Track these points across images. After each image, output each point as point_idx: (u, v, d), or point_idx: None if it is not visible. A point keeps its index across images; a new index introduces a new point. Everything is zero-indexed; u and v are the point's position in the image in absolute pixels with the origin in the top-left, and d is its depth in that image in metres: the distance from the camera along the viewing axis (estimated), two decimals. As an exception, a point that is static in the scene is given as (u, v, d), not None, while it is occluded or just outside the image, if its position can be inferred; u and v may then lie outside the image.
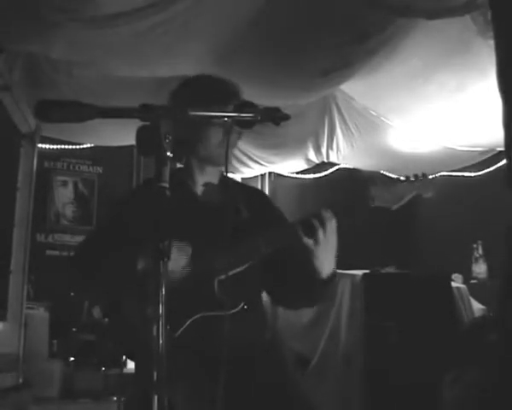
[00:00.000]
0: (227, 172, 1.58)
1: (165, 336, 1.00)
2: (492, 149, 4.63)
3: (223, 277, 1.53)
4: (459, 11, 2.49)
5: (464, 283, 4.45)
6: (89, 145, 4.95)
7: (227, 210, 1.55)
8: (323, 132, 4.44)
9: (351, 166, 5.25)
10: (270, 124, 1.38)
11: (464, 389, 2.54)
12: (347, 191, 5.43)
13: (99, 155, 5.12)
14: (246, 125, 1.45)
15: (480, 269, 4.74)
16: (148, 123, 1.08)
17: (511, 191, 1.30)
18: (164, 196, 1.05)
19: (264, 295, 1.80)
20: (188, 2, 2.52)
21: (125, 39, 2.75)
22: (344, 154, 4.74)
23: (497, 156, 4.65)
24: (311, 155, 4.86)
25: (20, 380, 3.34)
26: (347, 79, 3.58)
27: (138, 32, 2.67)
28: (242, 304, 1.56)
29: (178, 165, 1.84)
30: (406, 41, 2.99)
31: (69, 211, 5.16)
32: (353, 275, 3.83)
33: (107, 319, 1.74)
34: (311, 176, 5.63)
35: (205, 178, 1.75)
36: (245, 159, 4.87)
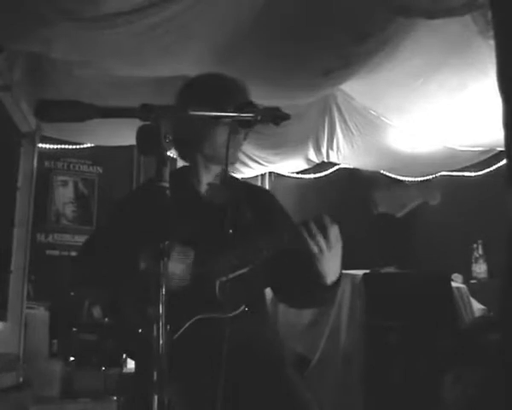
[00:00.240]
0: (227, 172, 1.58)
1: (165, 337, 1.00)
2: (492, 149, 4.63)
3: (224, 278, 1.53)
4: (459, 11, 2.49)
5: (464, 283, 4.45)
6: (89, 145, 4.95)
7: (230, 211, 1.54)
8: (323, 132, 4.43)
9: (351, 166, 5.25)
10: (270, 124, 1.38)
11: (464, 389, 2.54)
12: (347, 191, 5.45)
13: (99, 154, 5.11)
14: (246, 124, 1.45)
15: (479, 269, 4.74)
16: (148, 123, 1.08)
17: (511, 191, 1.30)
18: (164, 196, 1.05)
19: (268, 294, 1.80)
20: (188, 2, 2.52)
21: (125, 39, 2.75)
22: (344, 154, 4.74)
23: (497, 156, 4.65)
24: (312, 154, 4.86)
25: (21, 380, 3.33)
26: (347, 79, 3.58)
27: (138, 31, 2.67)
28: (243, 307, 1.56)
29: (183, 163, 1.83)
30: (406, 41, 2.99)
31: (69, 211, 5.16)
32: (353, 275, 3.84)
33: (107, 319, 1.74)
34: (312, 176, 5.63)
35: (210, 177, 1.74)
36: (245, 159, 4.87)
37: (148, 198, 1.09)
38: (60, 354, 4.11)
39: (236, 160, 1.75)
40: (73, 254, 4.88)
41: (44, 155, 4.83)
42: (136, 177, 5.28)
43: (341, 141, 4.52)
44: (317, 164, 5.19)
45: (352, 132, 4.39)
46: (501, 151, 4.41)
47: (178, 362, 1.20)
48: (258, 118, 1.35)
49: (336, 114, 4.21)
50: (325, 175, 5.60)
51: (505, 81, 1.36)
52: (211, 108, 1.34)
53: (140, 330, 1.49)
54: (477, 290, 4.28)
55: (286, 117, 1.38)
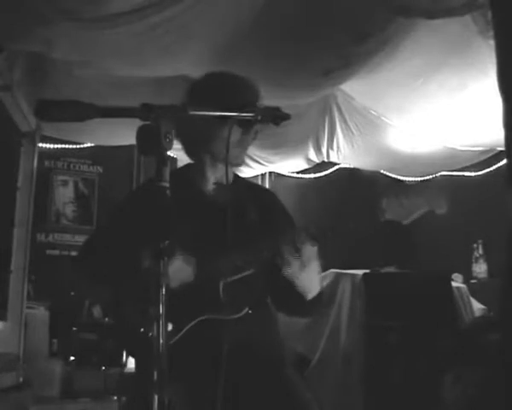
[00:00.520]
0: (227, 171, 1.57)
1: (165, 337, 1.00)
2: (493, 149, 4.63)
3: (228, 280, 1.52)
4: (459, 11, 2.49)
5: (464, 283, 4.45)
6: (89, 145, 4.95)
7: (235, 211, 1.53)
8: (324, 132, 4.43)
9: (351, 166, 5.25)
10: (270, 124, 1.38)
11: (464, 389, 2.54)
12: (348, 191, 5.45)
13: (99, 154, 5.11)
14: (246, 124, 1.45)
15: (479, 269, 4.74)
16: (148, 123, 1.07)
17: (511, 191, 1.30)
18: (164, 196, 1.05)
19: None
20: (188, 2, 2.52)
21: (125, 39, 2.75)
22: (344, 153, 4.74)
23: (497, 156, 4.65)
24: (312, 154, 4.86)
25: (21, 379, 3.33)
26: (347, 79, 3.58)
27: (138, 31, 2.67)
28: (247, 309, 1.55)
29: (183, 163, 1.82)
30: (406, 41, 2.99)
31: (69, 210, 5.16)
32: (353, 275, 3.84)
33: (107, 319, 1.74)
34: (312, 176, 5.63)
35: (216, 176, 1.72)
36: (245, 158, 4.86)
37: (148, 198, 1.09)
38: (60, 353, 4.11)
39: (243, 160, 1.75)
40: (74, 253, 4.88)
41: (44, 154, 4.84)
42: (136, 177, 5.28)
43: (341, 141, 4.52)
44: (317, 164, 5.19)
45: (352, 132, 4.39)
46: (501, 151, 4.41)
47: (180, 362, 1.19)
48: (259, 118, 1.35)
49: (336, 114, 4.21)
50: (325, 175, 5.60)
51: (505, 81, 1.36)
52: (219, 107, 1.34)
53: (141, 330, 1.49)
54: (477, 290, 4.29)
55: (286, 117, 1.37)
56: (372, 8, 2.63)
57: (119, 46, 2.83)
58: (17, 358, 3.53)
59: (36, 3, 2.42)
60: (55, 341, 4.16)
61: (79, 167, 5.23)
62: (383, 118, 4.18)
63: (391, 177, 5.38)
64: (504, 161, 1.34)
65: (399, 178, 5.35)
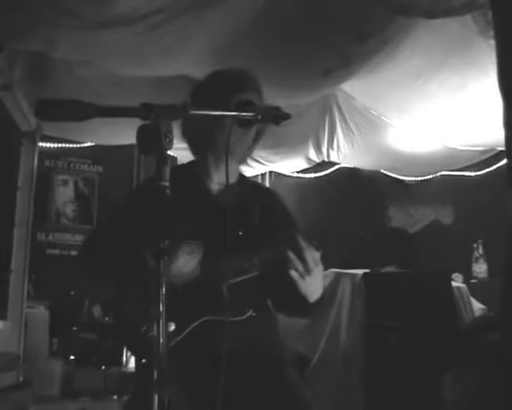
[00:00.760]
0: (227, 172, 1.57)
1: (166, 336, 1.00)
2: (493, 149, 4.63)
3: (232, 281, 1.52)
4: (459, 11, 2.49)
5: (464, 282, 4.45)
6: (89, 144, 4.95)
7: (240, 213, 1.52)
8: (324, 132, 4.44)
9: (351, 166, 5.25)
10: (270, 123, 1.38)
11: (464, 389, 2.54)
12: (348, 191, 5.45)
13: (99, 154, 5.11)
14: (246, 124, 1.45)
15: (480, 269, 4.75)
16: (148, 122, 1.08)
17: (511, 191, 1.30)
18: (164, 195, 1.05)
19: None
20: (188, 2, 2.52)
21: (125, 39, 2.75)
22: (344, 153, 4.74)
23: (497, 156, 4.65)
24: (312, 154, 4.86)
25: (21, 379, 3.34)
26: (348, 79, 3.58)
27: (138, 32, 2.67)
28: (250, 312, 1.55)
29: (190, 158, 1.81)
30: (407, 40, 2.99)
31: (70, 210, 5.16)
32: (353, 274, 3.84)
33: (107, 318, 1.74)
34: (312, 175, 5.63)
35: (220, 174, 1.70)
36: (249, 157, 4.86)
37: (148, 197, 1.09)
38: (60, 353, 4.11)
39: (246, 159, 1.75)
40: (74, 253, 4.88)
41: (45, 154, 4.83)
42: (136, 176, 5.28)
43: (342, 140, 4.52)
44: (318, 163, 5.19)
45: (352, 132, 4.39)
46: (501, 151, 4.41)
47: (181, 362, 1.19)
48: (259, 117, 1.35)
49: (337, 114, 4.21)
50: (325, 174, 5.60)
51: (505, 81, 1.36)
52: (221, 107, 1.34)
53: (144, 329, 1.48)
54: (477, 290, 4.29)
55: (286, 116, 1.37)
56: (372, 8, 2.63)
57: (120, 46, 2.83)
58: (17, 357, 3.53)
59: (36, 3, 2.41)
60: (55, 340, 4.16)
61: (79, 167, 5.23)
62: (383, 118, 4.18)
63: (391, 176, 5.39)
64: (504, 161, 1.34)
65: (400, 177, 5.35)
